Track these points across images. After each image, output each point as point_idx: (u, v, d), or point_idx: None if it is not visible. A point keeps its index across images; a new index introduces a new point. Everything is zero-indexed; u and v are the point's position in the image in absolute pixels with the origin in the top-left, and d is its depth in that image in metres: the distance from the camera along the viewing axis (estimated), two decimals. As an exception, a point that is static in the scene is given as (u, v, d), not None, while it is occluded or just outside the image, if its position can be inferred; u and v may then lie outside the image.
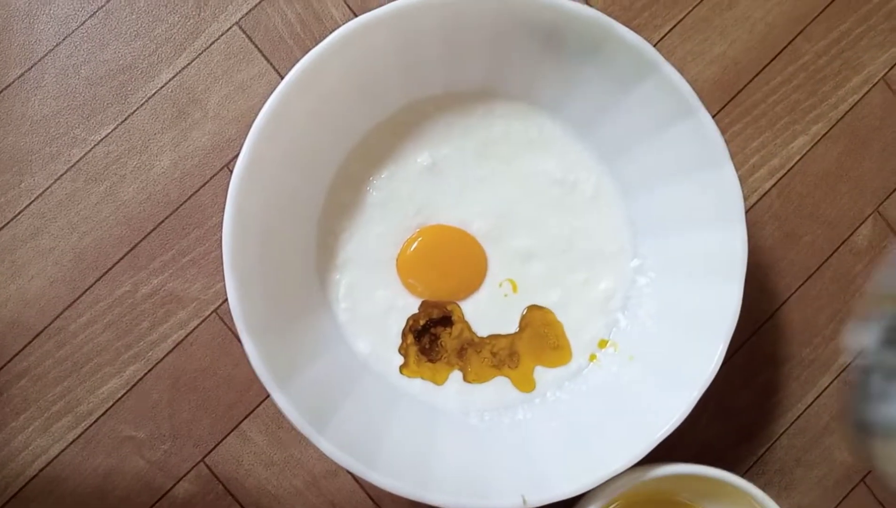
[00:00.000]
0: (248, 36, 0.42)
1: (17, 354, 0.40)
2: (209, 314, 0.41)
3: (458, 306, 0.39)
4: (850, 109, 0.44)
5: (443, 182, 0.40)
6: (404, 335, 0.39)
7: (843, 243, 0.44)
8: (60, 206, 0.41)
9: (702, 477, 0.34)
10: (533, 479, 0.34)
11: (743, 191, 0.35)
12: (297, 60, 0.34)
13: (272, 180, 0.35)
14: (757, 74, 0.44)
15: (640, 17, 0.44)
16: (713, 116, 0.36)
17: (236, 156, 0.34)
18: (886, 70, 0.44)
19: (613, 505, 0.38)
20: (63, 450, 0.40)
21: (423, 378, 0.39)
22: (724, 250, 0.35)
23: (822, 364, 0.43)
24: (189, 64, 0.42)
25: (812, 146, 0.44)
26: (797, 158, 0.44)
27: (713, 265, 0.36)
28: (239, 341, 0.33)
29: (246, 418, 0.41)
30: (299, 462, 0.41)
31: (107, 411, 0.40)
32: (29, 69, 0.41)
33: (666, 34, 0.44)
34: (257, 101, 0.42)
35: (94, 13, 0.42)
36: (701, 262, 0.37)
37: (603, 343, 0.39)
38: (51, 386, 0.40)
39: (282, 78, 0.34)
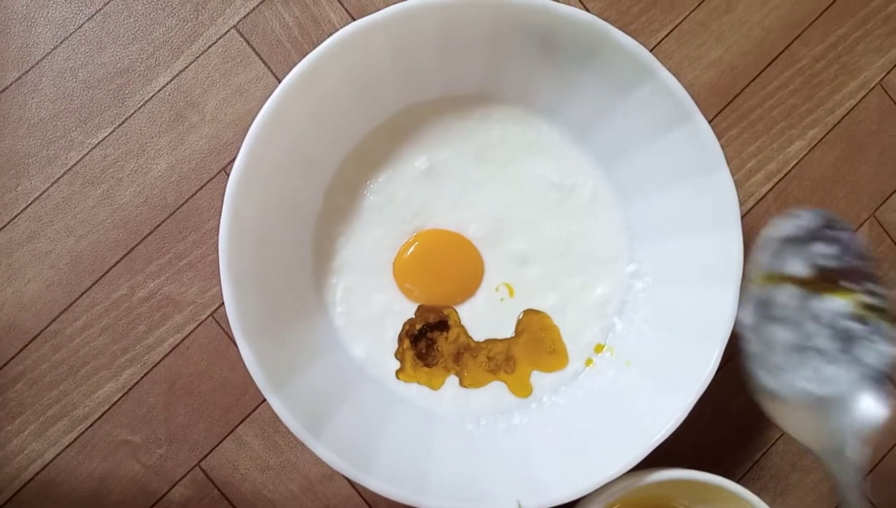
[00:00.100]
0: (245, 39, 0.42)
1: (13, 357, 0.40)
2: (205, 318, 0.41)
3: (455, 311, 0.39)
4: (847, 113, 0.44)
5: (440, 186, 0.40)
6: (401, 339, 0.39)
7: (839, 247, 0.44)
8: (57, 209, 0.41)
9: (697, 482, 0.34)
10: (529, 484, 0.34)
11: (739, 196, 0.35)
12: (295, 64, 0.34)
13: (269, 184, 0.35)
14: (754, 79, 0.44)
15: (636, 21, 0.44)
16: (710, 121, 0.36)
17: (233, 160, 0.34)
18: (883, 75, 0.44)
19: (609, 510, 0.38)
20: (59, 454, 0.40)
21: (419, 383, 0.39)
22: (721, 254, 0.35)
23: (818, 369, 0.43)
24: (186, 67, 0.42)
25: (809, 151, 0.44)
26: (794, 162, 0.44)
27: (709, 270, 0.36)
28: (235, 345, 0.33)
29: (242, 422, 0.41)
30: (295, 466, 0.41)
31: (103, 415, 0.40)
32: (26, 72, 0.41)
33: (663, 39, 0.44)
34: (255, 104, 0.42)
35: (92, 16, 0.42)
36: (697, 267, 0.37)
37: (599, 348, 0.39)
38: (46, 390, 0.40)
39: (279, 82, 0.34)
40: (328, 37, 0.34)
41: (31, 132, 0.41)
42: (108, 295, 0.41)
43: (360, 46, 0.35)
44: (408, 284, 0.39)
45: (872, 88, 0.44)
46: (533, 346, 0.39)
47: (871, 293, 0.26)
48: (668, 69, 0.35)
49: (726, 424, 0.42)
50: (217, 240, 0.33)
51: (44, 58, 0.41)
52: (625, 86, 0.36)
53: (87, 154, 0.41)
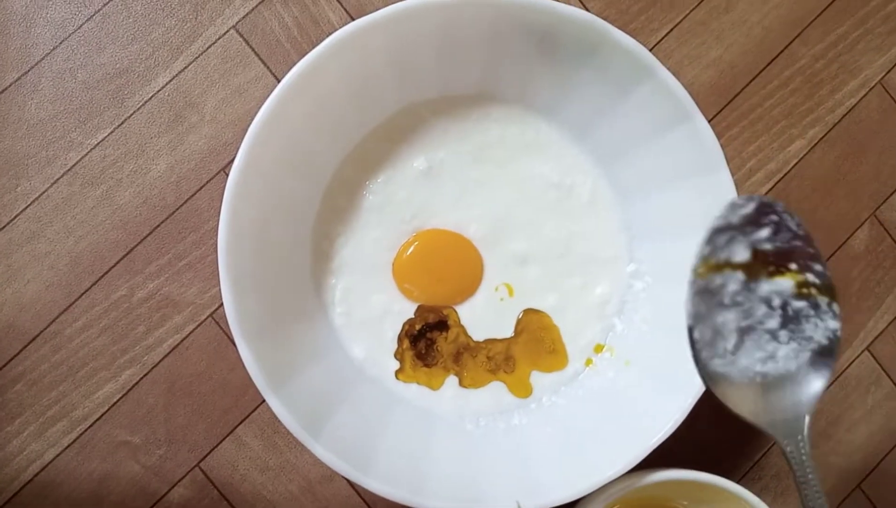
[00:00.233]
0: (244, 40, 0.42)
1: (12, 358, 0.40)
2: (205, 319, 0.41)
3: (455, 311, 0.39)
4: (847, 112, 0.44)
5: (439, 186, 0.40)
6: (400, 339, 0.39)
7: (840, 246, 0.44)
8: (57, 210, 0.41)
9: (697, 482, 0.34)
10: (528, 485, 0.34)
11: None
12: (294, 64, 0.34)
13: (268, 184, 0.35)
14: (754, 78, 0.44)
15: (636, 20, 0.44)
16: (709, 121, 0.36)
17: (233, 160, 0.34)
18: (883, 74, 0.44)
19: (609, 511, 0.38)
20: (58, 455, 0.40)
21: (418, 383, 0.39)
22: (721, 254, 0.35)
23: (819, 369, 0.43)
24: (186, 68, 0.42)
25: (809, 150, 0.44)
26: (794, 162, 0.44)
27: (709, 270, 0.36)
28: (234, 345, 0.33)
29: (241, 423, 0.40)
30: (295, 467, 0.40)
31: (102, 415, 0.40)
32: (26, 73, 0.41)
33: (662, 38, 0.44)
34: (254, 104, 0.42)
35: (91, 17, 0.42)
36: (697, 266, 0.36)
37: (599, 348, 0.39)
38: (46, 391, 0.40)
39: (278, 82, 0.34)
40: (327, 37, 0.34)
41: (30, 133, 0.41)
42: (108, 296, 0.41)
43: (359, 46, 0.35)
44: (407, 284, 0.39)
45: (873, 87, 0.44)
46: (532, 346, 0.39)
47: (814, 272, 0.28)
48: (668, 68, 0.35)
49: (726, 424, 0.42)
50: (216, 240, 0.33)
51: (43, 59, 0.41)
52: (624, 85, 0.36)
53: (86, 155, 0.41)
